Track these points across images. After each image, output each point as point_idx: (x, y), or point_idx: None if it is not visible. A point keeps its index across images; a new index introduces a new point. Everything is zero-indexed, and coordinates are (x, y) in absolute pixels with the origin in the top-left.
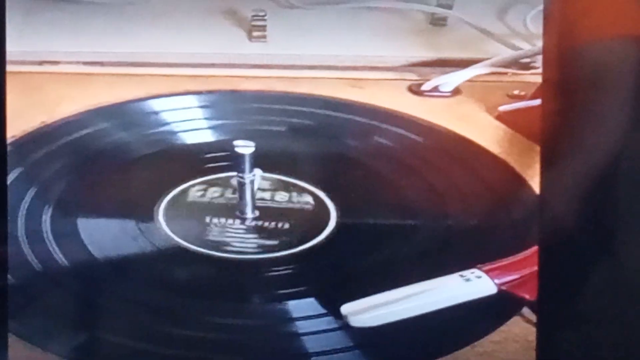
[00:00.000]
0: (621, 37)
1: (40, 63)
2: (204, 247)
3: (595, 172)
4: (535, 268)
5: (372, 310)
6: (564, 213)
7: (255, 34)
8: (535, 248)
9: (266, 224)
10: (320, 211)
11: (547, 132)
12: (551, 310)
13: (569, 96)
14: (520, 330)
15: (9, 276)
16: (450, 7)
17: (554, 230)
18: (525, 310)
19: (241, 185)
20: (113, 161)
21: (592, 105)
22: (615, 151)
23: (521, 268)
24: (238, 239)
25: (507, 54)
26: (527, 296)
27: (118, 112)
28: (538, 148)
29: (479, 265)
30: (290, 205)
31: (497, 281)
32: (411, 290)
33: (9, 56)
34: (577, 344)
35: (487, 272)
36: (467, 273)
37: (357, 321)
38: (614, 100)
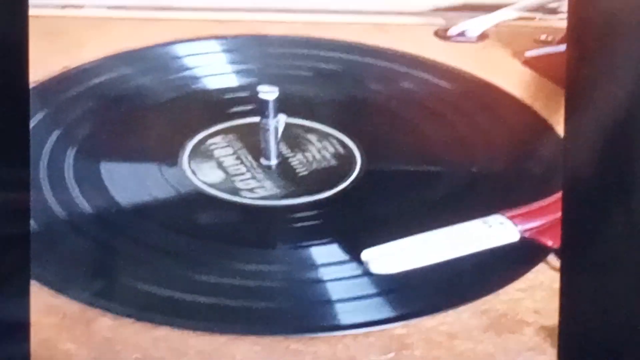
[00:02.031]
0: None
1: (63, 7)
2: (227, 193)
3: (619, 118)
4: (559, 214)
5: (392, 257)
6: (588, 159)
7: None
8: (559, 194)
9: (290, 169)
10: (345, 157)
11: (571, 78)
12: (574, 256)
13: (593, 41)
14: (546, 277)
15: (31, 222)
16: None
17: (577, 176)
18: (551, 258)
19: (265, 130)
20: (136, 106)
21: (616, 50)
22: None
23: (545, 214)
24: (261, 184)
25: None
26: (550, 243)
27: (141, 57)
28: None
29: (502, 211)
30: (314, 151)
31: (520, 227)
32: (432, 236)
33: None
34: (600, 290)
35: (510, 218)
36: (489, 219)
37: (377, 267)
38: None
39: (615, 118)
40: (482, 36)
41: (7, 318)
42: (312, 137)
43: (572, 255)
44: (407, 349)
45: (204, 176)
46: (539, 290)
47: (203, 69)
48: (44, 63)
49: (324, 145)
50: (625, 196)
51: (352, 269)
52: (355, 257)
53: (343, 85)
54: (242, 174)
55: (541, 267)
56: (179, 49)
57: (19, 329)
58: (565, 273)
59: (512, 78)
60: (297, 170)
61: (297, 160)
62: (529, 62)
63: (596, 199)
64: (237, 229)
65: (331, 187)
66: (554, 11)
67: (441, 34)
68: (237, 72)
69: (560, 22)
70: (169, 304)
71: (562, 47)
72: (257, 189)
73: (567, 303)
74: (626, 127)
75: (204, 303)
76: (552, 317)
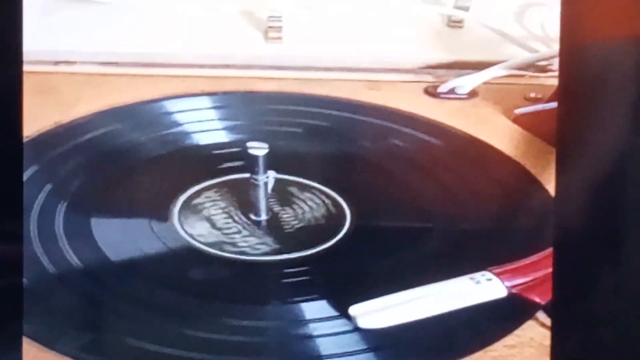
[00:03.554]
0: (636, 39)
1: (56, 63)
2: (217, 249)
3: (610, 174)
4: (547, 271)
5: (380, 312)
6: (579, 215)
7: (271, 35)
8: (547, 251)
9: (279, 225)
10: (335, 213)
11: (561, 135)
12: (566, 313)
13: (585, 98)
14: (535, 334)
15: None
16: (467, 9)
17: (568, 232)
18: (540, 315)
19: (255, 186)
20: (127, 162)
21: (607, 107)
22: (630, 154)
23: (533, 271)
24: (251, 240)
25: (523, 56)
26: (538, 299)
27: (133, 113)
28: (554, 151)
29: (490, 268)
30: (304, 207)
31: (507, 284)
32: (420, 292)
33: (25, 56)
34: (593, 347)
35: (497, 274)
36: (477, 275)
37: (365, 322)
38: (629, 103)
39: (606, 175)
40: (472, 93)
41: None
42: (302, 193)
43: (563, 312)
44: None
45: (194, 232)
46: (528, 347)
47: (193, 125)
48: (36, 118)
49: (313, 201)
50: (616, 252)
51: (341, 324)
52: (344, 312)
53: (333, 141)
54: (232, 229)
55: (530, 324)
56: (170, 105)
57: None
58: (557, 329)
59: (501, 135)
60: (287, 226)
61: (286, 216)
62: (518, 120)
63: (587, 255)
64: (227, 284)
65: (320, 243)
66: (543, 69)
67: (431, 91)
68: (227, 128)
69: (549, 79)
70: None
71: (552, 105)
72: (247, 245)
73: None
74: (615, 184)
75: (194, 359)
76: None
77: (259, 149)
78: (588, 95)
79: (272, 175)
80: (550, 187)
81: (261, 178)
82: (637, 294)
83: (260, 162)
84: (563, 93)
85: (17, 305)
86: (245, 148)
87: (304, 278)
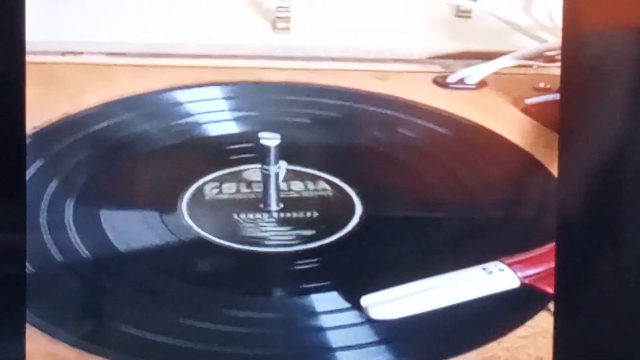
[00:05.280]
0: (637, 28)
1: (63, 54)
2: (226, 240)
3: (612, 161)
4: None
5: (392, 302)
6: (581, 202)
7: (279, 25)
8: None
9: (290, 216)
10: (345, 204)
11: (564, 123)
12: (569, 301)
13: (586, 87)
14: (547, 324)
15: (30, 267)
16: None
17: (570, 220)
18: (553, 305)
19: (266, 177)
20: (136, 152)
21: (608, 95)
22: (631, 140)
23: (544, 261)
24: (261, 231)
25: (532, 46)
26: (550, 290)
27: (141, 103)
28: None
29: (502, 258)
30: (314, 198)
31: (520, 274)
32: (432, 282)
33: (31, 46)
34: (594, 334)
35: (510, 265)
36: (489, 266)
37: (377, 313)
38: (630, 91)
39: (607, 162)
40: (481, 83)
41: None
42: (312, 184)
43: (565, 299)
44: None
45: (203, 222)
46: (541, 338)
47: (203, 116)
48: (43, 109)
49: (323, 191)
50: (617, 240)
51: (352, 316)
52: (355, 304)
53: (342, 132)
54: (242, 220)
55: (543, 314)
56: (179, 96)
57: None
58: (559, 317)
59: (511, 125)
60: (297, 218)
61: (297, 208)
62: (528, 110)
63: (588, 243)
64: (236, 275)
65: (331, 234)
66: (552, 59)
67: (440, 82)
68: (237, 119)
69: (558, 69)
70: (166, 351)
71: None
72: (257, 236)
73: (561, 347)
74: (617, 171)
75: (203, 350)
76: None
77: (270, 139)
78: (590, 84)
79: (283, 165)
80: None
81: (272, 168)
82: (638, 280)
83: (272, 153)
84: (565, 81)
85: (21, 294)
86: (256, 138)
87: (315, 269)
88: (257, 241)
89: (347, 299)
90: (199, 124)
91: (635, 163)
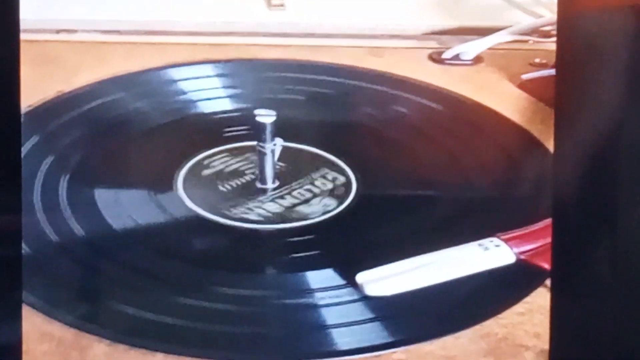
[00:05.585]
0: (633, 5)
1: (57, 32)
2: (222, 217)
3: (607, 139)
4: None
5: (388, 279)
6: (576, 180)
7: (274, 2)
8: None
9: (286, 193)
10: (340, 181)
11: (559, 99)
12: (564, 279)
13: (582, 62)
14: (544, 301)
15: (25, 247)
16: None
17: (566, 199)
18: (549, 281)
19: (262, 154)
20: (131, 130)
21: (604, 70)
22: (626, 118)
23: (541, 237)
24: (257, 208)
25: (528, 21)
26: (547, 265)
27: (136, 81)
28: None
29: (498, 234)
30: (310, 175)
31: (516, 250)
32: (428, 258)
33: (25, 24)
34: (590, 313)
35: (506, 240)
36: (485, 242)
37: (372, 290)
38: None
39: (601, 138)
40: (477, 59)
41: None
42: (307, 161)
43: (562, 278)
44: None
45: (199, 200)
46: (538, 314)
47: (197, 93)
48: (38, 87)
49: (318, 169)
50: (612, 215)
51: (347, 293)
52: (350, 281)
53: (337, 109)
54: (237, 197)
55: (540, 290)
56: (173, 73)
57: (11, 353)
58: (556, 296)
59: (507, 101)
60: (293, 194)
61: (292, 185)
62: (524, 85)
63: (584, 221)
64: (232, 253)
65: (326, 211)
66: (547, 34)
67: (436, 57)
68: (232, 96)
69: (554, 45)
70: (163, 330)
71: None
72: (252, 213)
73: (557, 326)
74: (612, 149)
75: (198, 329)
76: None
77: (266, 116)
78: (585, 61)
79: (279, 142)
80: None
81: (268, 146)
82: (633, 258)
83: (268, 130)
84: (560, 59)
85: (17, 275)
86: (251, 115)
87: (310, 246)
88: (253, 218)
89: (343, 276)
90: (193, 102)
91: (630, 139)
